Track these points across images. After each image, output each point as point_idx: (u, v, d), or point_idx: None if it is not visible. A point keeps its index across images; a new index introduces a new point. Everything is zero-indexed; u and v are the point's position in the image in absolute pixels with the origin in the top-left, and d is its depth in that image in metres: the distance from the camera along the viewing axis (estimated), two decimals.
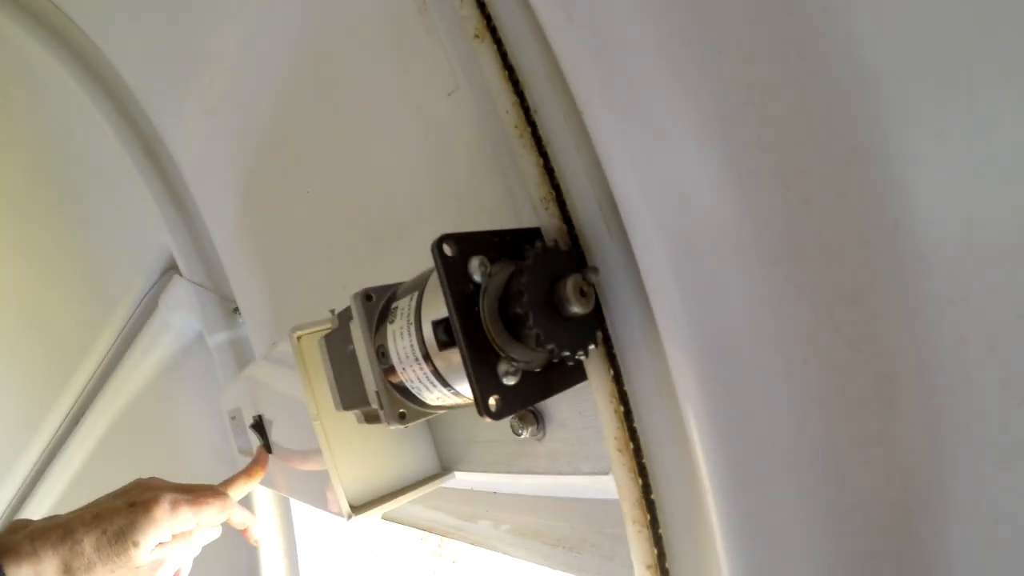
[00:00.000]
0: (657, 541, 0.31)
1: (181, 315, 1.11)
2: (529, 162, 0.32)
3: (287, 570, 1.09)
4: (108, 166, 1.14)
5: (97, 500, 0.55)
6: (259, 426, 0.65)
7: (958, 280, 0.20)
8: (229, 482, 0.61)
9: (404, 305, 0.30)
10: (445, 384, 0.29)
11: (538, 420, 0.38)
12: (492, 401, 0.25)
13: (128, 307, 1.30)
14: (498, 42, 0.35)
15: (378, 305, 0.34)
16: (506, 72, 0.35)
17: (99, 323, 1.40)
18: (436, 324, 0.27)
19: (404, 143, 0.52)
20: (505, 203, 0.41)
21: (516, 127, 0.34)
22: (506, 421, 0.40)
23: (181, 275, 1.08)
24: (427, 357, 0.28)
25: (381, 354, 0.32)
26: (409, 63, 0.49)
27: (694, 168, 0.24)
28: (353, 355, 0.36)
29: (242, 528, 0.61)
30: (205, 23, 0.74)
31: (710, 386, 0.25)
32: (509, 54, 0.35)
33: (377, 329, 0.33)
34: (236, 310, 1.04)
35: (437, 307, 0.27)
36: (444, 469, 0.51)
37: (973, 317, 0.20)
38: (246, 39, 0.69)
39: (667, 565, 0.31)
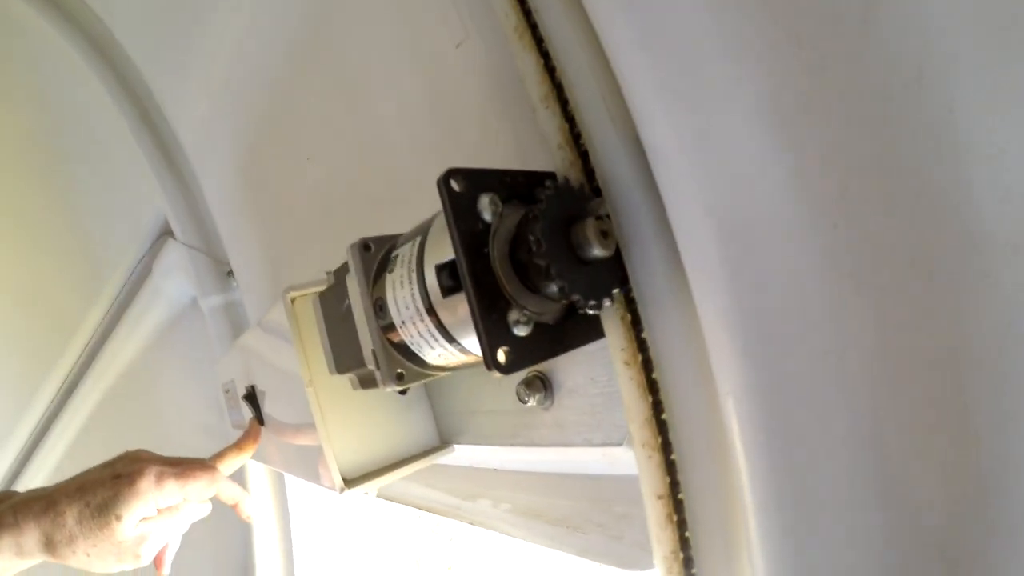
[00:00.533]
0: (681, 526, 0.29)
1: (174, 280, 1.10)
2: (547, 106, 0.29)
3: (281, 549, 1.07)
4: (103, 130, 1.13)
5: (84, 472, 0.54)
6: (252, 397, 0.63)
7: None
8: (219, 455, 0.59)
9: (405, 252, 0.27)
10: (449, 338, 0.26)
11: (546, 387, 0.35)
12: (501, 353, 0.22)
13: (122, 274, 1.30)
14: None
15: (377, 256, 0.31)
16: (523, 16, 0.32)
17: (93, 290, 1.40)
18: (440, 268, 0.24)
19: (409, 100, 0.49)
20: (516, 159, 0.38)
21: (534, 72, 0.31)
22: (511, 389, 0.37)
23: (175, 238, 1.06)
24: (430, 308, 0.25)
25: (379, 308, 0.29)
26: (413, 15, 0.46)
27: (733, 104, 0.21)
28: (349, 312, 0.33)
29: (232, 503, 0.59)
30: None
31: (751, 346, 0.22)
32: None
33: (375, 282, 0.30)
34: (230, 273, 1.03)
35: (442, 250, 0.24)
36: (443, 442, 0.48)
37: None
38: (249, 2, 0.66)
39: (691, 554, 0.28)
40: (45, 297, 1.55)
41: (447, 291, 0.24)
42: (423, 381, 0.33)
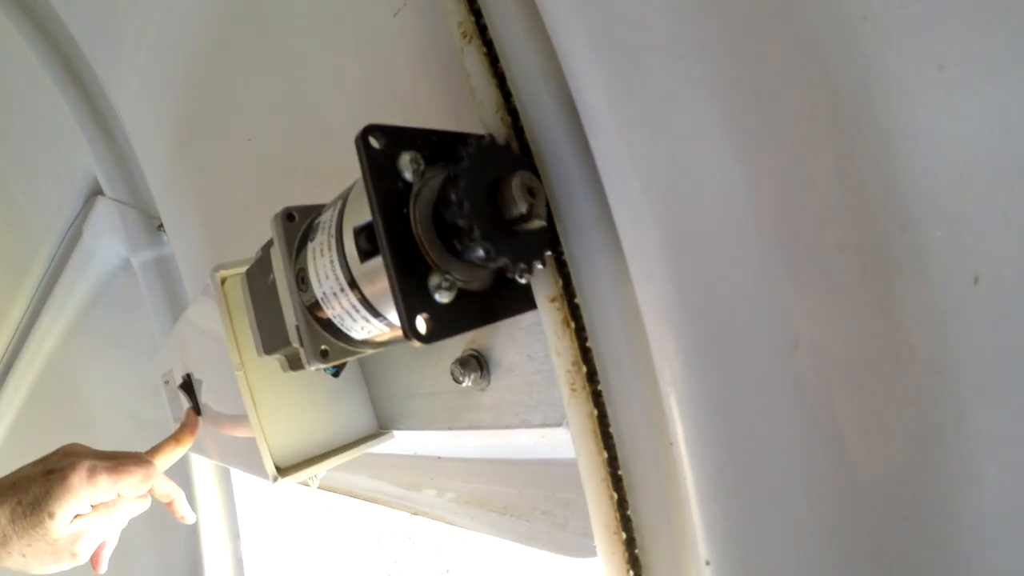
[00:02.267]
0: (621, 505, 0.28)
1: (106, 240, 1.10)
2: (478, 66, 0.28)
3: (230, 546, 1.04)
4: (27, 90, 1.11)
5: (18, 469, 0.52)
6: (188, 386, 0.60)
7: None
8: (156, 449, 0.57)
9: (326, 219, 0.26)
10: (372, 311, 0.24)
11: (482, 366, 0.34)
12: (421, 320, 0.21)
13: (53, 240, 1.27)
14: None
15: (301, 226, 0.29)
16: None
17: (25, 260, 1.37)
18: (358, 231, 0.22)
19: (343, 65, 0.47)
20: (450, 125, 0.36)
21: (465, 35, 0.29)
22: (447, 370, 0.36)
23: (104, 196, 1.05)
24: (350, 278, 0.24)
25: (301, 280, 0.27)
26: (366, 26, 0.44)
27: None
28: (274, 287, 0.31)
29: (166, 501, 0.57)
30: None
31: (688, 325, 0.21)
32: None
33: (298, 254, 0.28)
34: (160, 227, 1.03)
35: (361, 213, 0.23)
36: (382, 428, 0.46)
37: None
38: None
39: (634, 535, 0.27)
40: None
41: (364, 255, 0.22)
42: (351, 358, 0.31)
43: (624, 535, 0.28)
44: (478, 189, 0.22)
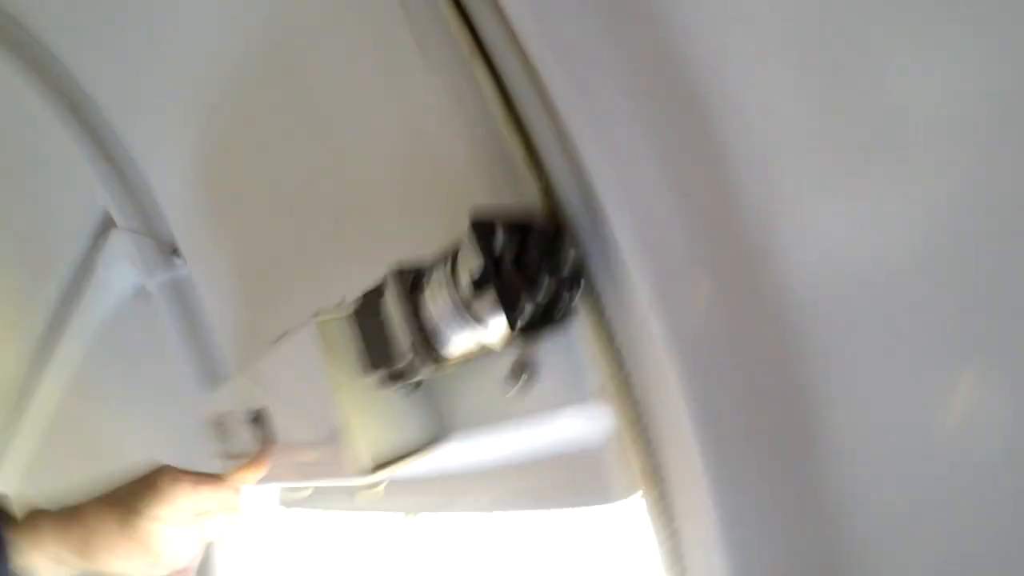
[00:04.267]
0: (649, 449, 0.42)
1: (120, 270, 1.21)
2: (527, 170, 0.43)
3: None
4: (34, 133, 1.23)
5: (114, 484, 0.58)
6: (260, 419, 0.71)
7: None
8: (237, 471, 0.66)
9: (438, 270, 0.40)
10: (476, 320, 0.38)
11: (528, 371, 0.48)
12: (519, 316, 0.35)
13: (67, 274, 1.37)
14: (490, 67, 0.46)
15: (407, 277, 0.44)
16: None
17: (37, 295, 1.47)
18: (473, 274, 0.37)
19: (388, 150, 0.62)
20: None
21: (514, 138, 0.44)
22: (500, 376, 0.50)
23: (116, 227, 1.17)
24: (465, 302, 0.38)
25: (413, 312, 0.42)
26: (402, 84, 0.59)
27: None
28: (381, 323, 0.45)
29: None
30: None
31: (668, 313, 0.36)
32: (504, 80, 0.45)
33: (409, 296, 0.43)
34: (175, 251, 1.14)
35: (471, 261, 0.37)
36: (443, 435, 0.59)
37: None
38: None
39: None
40: None
41: (477, 286, 0.37)
42: (442, 372, 0.45)
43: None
44: (542, 252, 0.37)
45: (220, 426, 0.90)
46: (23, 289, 1.55)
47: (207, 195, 1.00)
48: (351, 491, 0.92)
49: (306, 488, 0.93)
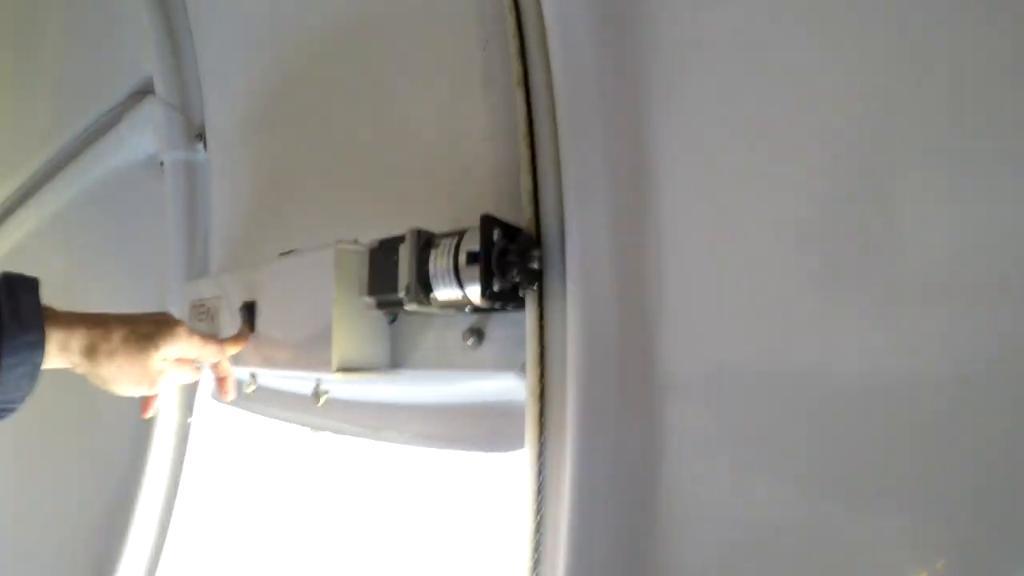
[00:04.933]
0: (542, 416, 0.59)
1: (141, 134, 1.32)
2: (528, 200, 0.61)
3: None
4: None
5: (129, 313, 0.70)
6: (250, 309, 0.86)
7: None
8: (222, 341, 0.81)
9: (447, 241, 0.57)
10: (459, 285, 0.56)
11: (480, 336, 0.65)
12: (488, 291, 0.53)
13: (91, 117, 1.50)
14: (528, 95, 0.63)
15: (423, 238, 0.60)
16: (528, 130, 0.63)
17: (58, 126, 1.60)
18: (470, 252, 0.54)
19: (429, 140, 0.79)
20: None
21: (528, 181, 0.62)
22: (448, 336, 0.67)
23: (155, 95, 1.28)
24: (456, 268, 0.55)
25: (421, 263, 0.58)
26: (463, 110, 0.76)
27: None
28: (394, 263, 0.61)
29: (222, 376, 0.81)
30: None
31: (581, 324, 0.54)
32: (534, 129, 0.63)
33: (420, 251, 0.60)
34: (199, 136, 1.25)
35: (472, 245, 0.55)
36: (394, 367, 0.75)
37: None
38: None
39: (544, 420, 0.59)
40: (18, 111, 1.67)
41: (470, 260, 0.54)
42: (423, 311, 0.61)
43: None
44: (519, 254, 0.54)
45: (199, 308, 1.04)
46: (47, 117, 1.63)
47: (251, 106, 1.14)
48: (289, 400, 1.08)
49: (251, 385, 1.06)
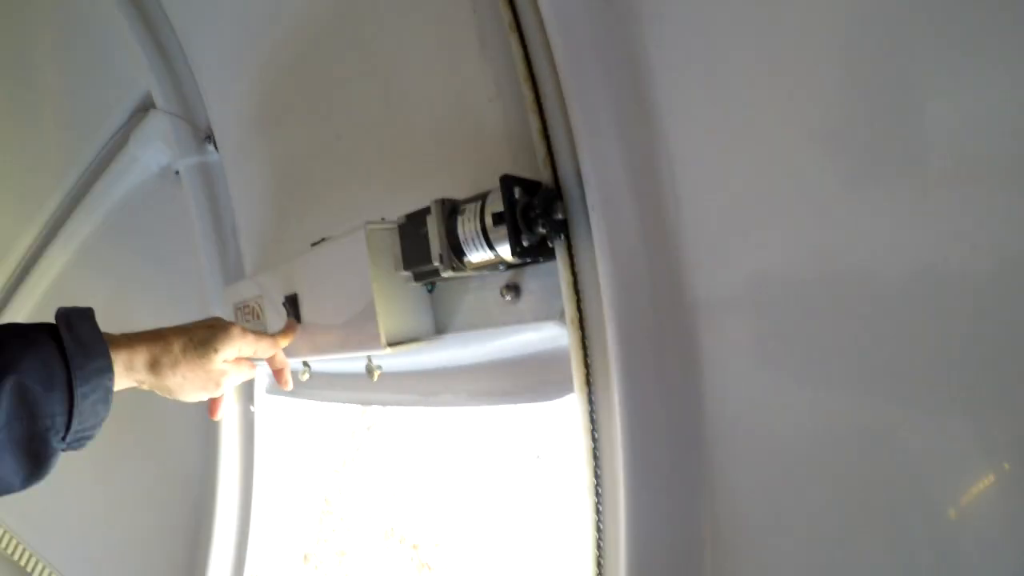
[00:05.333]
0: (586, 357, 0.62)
1: (152, 148, 1.37)
2: (543, 152, 0.62)
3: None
4: (93, 10, 1.38)
5: (187, 324, 0.74)
6: (293, 302, 0.90)
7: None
8: (273, 336, 0.85)
9: (471, 206, 0.59)
10: (490, 246, 0.58)
11: (517, 290, 0.67)
12: (519, 248, 0.55)
13: (98, 144, 1.54)
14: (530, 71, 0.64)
15: (447, 207, 0.62)
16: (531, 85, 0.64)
17: (66, 160, 1.63)
18: (495, 214, 0.56)
19: (436, 109, 0.80)
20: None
21: (539, 133, 0.63)
22: (496, 291, 0.69)
23: (156, 108, 1.32)
24: (484, 230, 0.57)
25: (450, 231, 0.61)
26: (460, 67, 0.76)
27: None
28: (424, 235, 0.64)
29: (279, 367, 0.85)
30: None
31: (611, 268, 0.56)
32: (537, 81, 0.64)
33: (447, 220, 0.62)
34: (208, 138, 1.29)
35: (496, 207, 0.57)
36: (439, 333, 0.79)
37: None
38: None
39: (590, 364, 0.61)
40: (26, 154, 1.72)
41: (496, 220, 0.56)
42: (459, 276, 0.64)
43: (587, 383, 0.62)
44: (542, 207, 0.56)
45: (243, 310, 1.08)
46: (53, 153, 1.68)
47: (254, 98, 1.16)
48: (344, 381, 1.12)
49: (305, 373, 1.11)
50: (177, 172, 1.34)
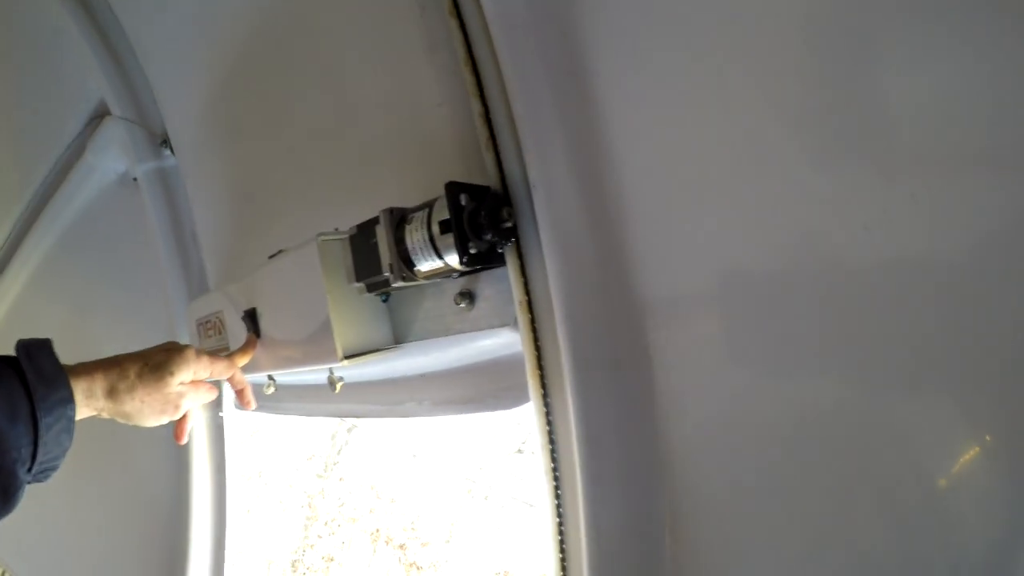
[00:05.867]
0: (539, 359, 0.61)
1: (109, 155, 1.35)
2: (491, 157, 0.61)
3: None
4: (39, 17, 1.37)
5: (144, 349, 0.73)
6: (252, 316, 0.88)
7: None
8: (230, 354, 0.83)
9: (419, 214, 0.59)
10: (439, 255, 0.57)
11: (471, 297, 0.67)
12: (467, 256, 0.54)
13: (54, 155, 1.52)
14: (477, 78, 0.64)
15: (396, 216, 0.62)
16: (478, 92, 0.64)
17: (22, 174, 1.61)
18: (442, 222, 0.56)
19: (387, 118, 0.79)
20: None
21: (486, 138, 0.62)
22: (444, 304, 0.69)
23: (111, 115, 1.30)
24: (432, 239, 0.57)
25: (398, 240, 0.60)
26: (408, 72, 0.76)
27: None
28: (374, 245, 0.63)
29: (239, 388, 0.84)
30: None
31: (559, 271, 0.56)
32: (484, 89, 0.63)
33: (396, 229, 0.61)
34: (163, 143, 1.28)
35: (442, 214, 0.56)
36: (397, 342, 0.78)
37: None
38: None
39: (544, 367, 0.61)
40: None
41: (443, 229, 0.55)
42: (412, 285, 0.63)
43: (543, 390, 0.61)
44: (490, 213, 0.55)
45: (205, 325, 1.06)
46: (8, 166, 1.64)
47: (209, 102, 1.14)
48: (309, 393, 1.11)
49: (270, 387, 1.09)
50: (135, 179, 1.32)
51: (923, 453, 0.43)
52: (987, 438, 0.41)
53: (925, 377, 0.43)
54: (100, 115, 1.37)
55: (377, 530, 1.79)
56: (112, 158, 1.36)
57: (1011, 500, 0.41)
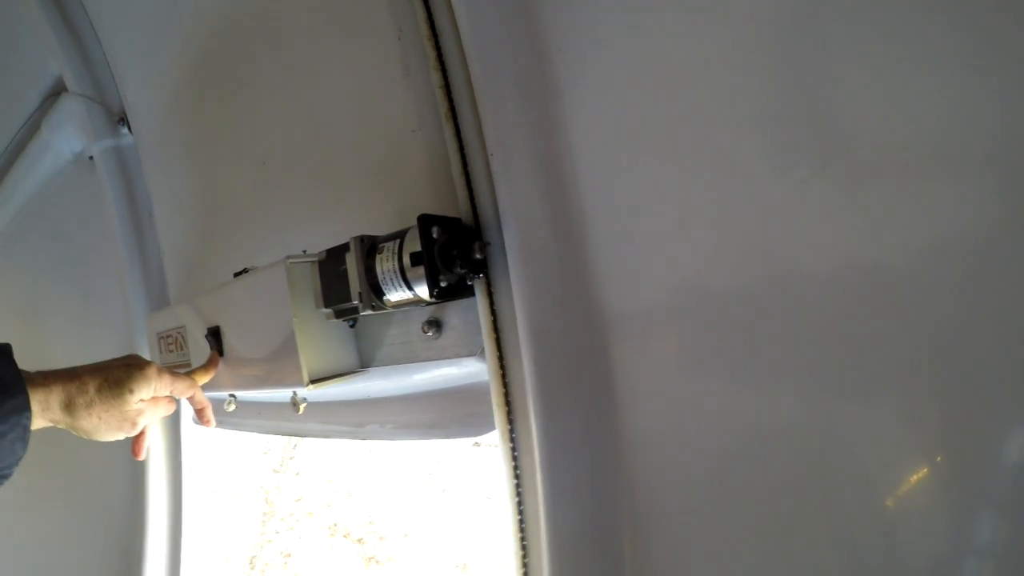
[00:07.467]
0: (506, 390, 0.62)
1: (65, 133, 1.32)
2: (463, 189, 0.62)
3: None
4: None
5: (98, 361, 0.71)
6: (216, 334, 0.87)
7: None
8: (191, 373, 0.82)
9: (390, 245, 0.59)
10: (408, 287, 0.58)
11: (439, 326, 0.67)
12: (437, 289, 0.55)
13: (8, 133, 1.49)
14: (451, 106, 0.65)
15: (366, 244, 0.62)
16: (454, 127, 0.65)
17: None
18: (413, 254, 0.56)
19: (361, 142, 0.79)
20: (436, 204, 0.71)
21: (459, 170, 0.63)
22: (411, 330, 0.69)
23: (68, 91, 1.26)
24: (402, 270, 0.57)
25: (368, 269, 0.60)
26: (389, 103, 0.76)
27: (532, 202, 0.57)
28: (343, 272, 0.63)
29: (199, 407, 0.82)
30: None
31: (527, 305, 0.57)
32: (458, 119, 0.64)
33: (366, 257, 0.61)
34: (121, 120, 1.26)
35: (414, 246, 0.56)
36: (363, 366, 0.78)
37: None
38: None
39: (510, 399, 0.62)
40: None
41: (414, 261, 0.56)
42: (380, 312, 0.63)
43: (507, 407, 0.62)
44: (461, 246, 0.56)
45: (166, 339, 1.04)
46: None
47: (170, 84, 1.12)
48: (271, 411, 1.09)
49: (231, 404, 1.07)
50: (91, 157, 1.28)
51: (873, 467, 0.45)
52: (938, 459, 0.43)
53: (877, 390, 0.44)
54: (57, 92, 1.34)
55: (335, 524, 1.77)
56: (68, 136, 1.32)
57: (957, 518, 0.42)
